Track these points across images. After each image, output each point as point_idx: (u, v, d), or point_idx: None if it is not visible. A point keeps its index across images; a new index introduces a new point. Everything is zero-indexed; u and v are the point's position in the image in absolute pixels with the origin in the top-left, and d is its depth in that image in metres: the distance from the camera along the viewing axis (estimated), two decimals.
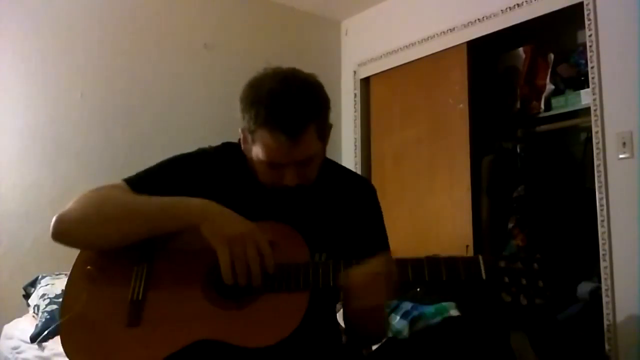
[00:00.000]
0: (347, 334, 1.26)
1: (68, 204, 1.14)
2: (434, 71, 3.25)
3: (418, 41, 3.29)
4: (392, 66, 3.47)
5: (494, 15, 2.92)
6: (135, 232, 1.11)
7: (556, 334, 2.28)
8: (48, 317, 2.11)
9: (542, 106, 3.01)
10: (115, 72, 2.89)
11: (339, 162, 1.37)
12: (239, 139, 1.22)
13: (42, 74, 2.69)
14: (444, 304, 2.10)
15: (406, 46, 3.36)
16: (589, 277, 2.62)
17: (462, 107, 3.05)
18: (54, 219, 1.13)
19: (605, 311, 2.37)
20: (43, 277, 2.35)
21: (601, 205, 2.41)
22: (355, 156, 3.59)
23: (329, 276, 1.06)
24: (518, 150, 3.00)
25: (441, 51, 3.18)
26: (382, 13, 3.55)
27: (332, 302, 1.26)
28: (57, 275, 2.33)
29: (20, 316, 2.36)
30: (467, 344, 1.14)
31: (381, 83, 3.62)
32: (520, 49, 3.10)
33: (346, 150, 3.64)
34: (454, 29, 3.10)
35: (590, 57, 2.50)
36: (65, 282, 1.16)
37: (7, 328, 2.33)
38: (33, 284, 2.36)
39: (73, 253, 1.17)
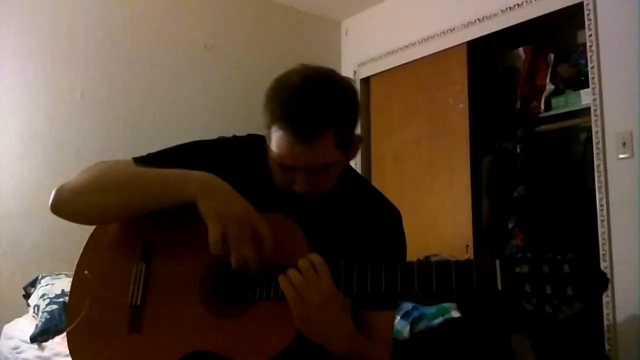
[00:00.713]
0: None
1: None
2: (434, 71, 3.25)
3: (418, 41, 3.29)
4: (392, 66, 3.48)
5: (494, 15, 2.92)
6: (132, 203, 1.07)
7: (556, 334, 2.28)
8: (48, 317, 2.10)
9: (542, 106, 3.01)
10: (115, 72, 2.89)
11: None
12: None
13: (42, 74, 2.69)
14: (445, 304, 2.10)
15: (406, 46, 3.36)
16: None
17: (462, 107, 3.05)
18: (54, 191, 1.09)
19: (605, 311, 2.37)
20: (43, 277, 2.34)
21: (601, 205, 2.41)
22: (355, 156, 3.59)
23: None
24: (518, 150, 3.00)
25: (441, 51, 3.18)
26: (382, 13, 3.56)
27: None
28: (57, 275, 2.32)
29: (20, 316, 2.36)
30: (468, 345, 1.12)
31: (381, 83, 3.62)
32: (520, 49, 3.10)
33: None
34: (454, 29, 3.10)
35: (590, 57, 2.50)
36: (65, 282, 1.16)
37: (7, 328, 2.33)
38: (33, 284, 2.36)
39: (73, 253, 1.17)
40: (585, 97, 2.71)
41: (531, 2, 2.76)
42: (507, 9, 2.86)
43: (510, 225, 2.89)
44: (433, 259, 2.66)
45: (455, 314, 2.03)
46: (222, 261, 1.04)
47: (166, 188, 1.05)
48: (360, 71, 3.66)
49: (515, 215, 2.89)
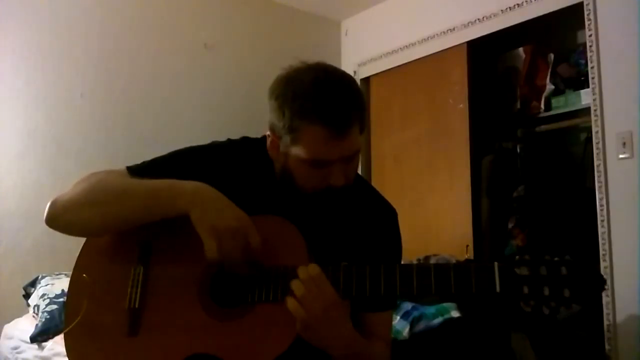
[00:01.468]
0: None
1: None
2: (434, 71, 3.25)
3: (418, 41, 3.29)
4: (392, 66, 3.48)
5: (494, 15, 2.92)
6: (125, 217, 1.07)
7: (556, 334, 2.28)
8: (48, 317, 2.10)
9: (542, 106, 3.01)
10: (115, 72, 2.89)
11: None
12: (262, 137, 1.15)
13: (42, 74, 2.69)
14: (444, 304, 2.10)
15: (406, 46, 3.36)
16: None
17: (462, 107, 3.05)
18: (48, 204, 1.10)
19: (605, 311, 2.37)
20: (43, 277, 2.34)
21: (601, 205, 2.41)
22: None
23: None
24: (518, 150, 3.01)
25: (441, 51, 3.19)
26: (382, 13, 3.56)
27: None
28: (57, 275, 2.33)
29: (20, 316, 2.36)
30: (468, 345, 1.13)
31: (381, 83, 3.62)
32: (520, 49, 3.11)
33: None
34: (454, 29, 3.10)
35: (590, 57, 2.50)
36: (65, 282, 1.16)
37: (7, 328, 2.33)
38: (33, 284, 2.36)
39: (73, 253, 1.16)
40: (585, 97, 2.72)
41: (531, 2, 2.76)
42: (507, 9, 2.86)
43: (510, 225, 2.89)
44: (433, 259, 2.67)
45: (455, 313, 2.03)
46: (219, 265, 1.05)
47: (159, 201, 1.04)
48: (360, 71, 3.66)
49: (515, 215, 2.89)
